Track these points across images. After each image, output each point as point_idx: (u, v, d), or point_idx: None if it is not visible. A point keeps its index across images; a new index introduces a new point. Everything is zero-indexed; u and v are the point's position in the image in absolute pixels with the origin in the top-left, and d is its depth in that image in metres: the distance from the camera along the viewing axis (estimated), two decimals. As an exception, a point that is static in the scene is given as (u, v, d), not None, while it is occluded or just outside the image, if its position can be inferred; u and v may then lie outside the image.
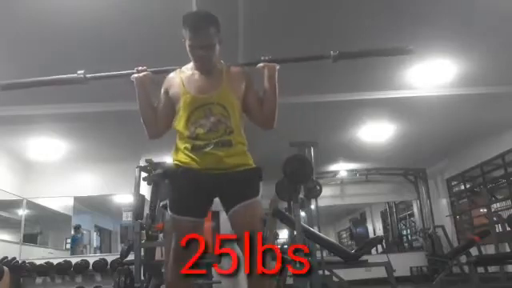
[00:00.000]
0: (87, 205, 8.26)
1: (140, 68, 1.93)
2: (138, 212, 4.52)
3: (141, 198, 4.67)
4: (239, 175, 1.80)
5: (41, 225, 8.00)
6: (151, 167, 4.84)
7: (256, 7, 3.43)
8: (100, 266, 6.54)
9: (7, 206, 6.98)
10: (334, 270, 4.64)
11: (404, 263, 8.41)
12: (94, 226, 9.54)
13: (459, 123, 6.29)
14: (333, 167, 8.92)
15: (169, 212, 1.87)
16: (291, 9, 3.59)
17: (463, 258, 6.25)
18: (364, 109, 5.73)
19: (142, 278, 4.50)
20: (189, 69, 1.91)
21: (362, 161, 8.59)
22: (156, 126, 1.93)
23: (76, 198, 7.49)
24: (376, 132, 6.65)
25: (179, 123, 1.84)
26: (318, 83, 4.92)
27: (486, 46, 4.31)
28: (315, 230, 4.60)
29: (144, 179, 4.80)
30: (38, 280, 6.49)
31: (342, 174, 9.28)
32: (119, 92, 4.76)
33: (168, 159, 5.85)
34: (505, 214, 7.08)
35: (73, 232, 8.13)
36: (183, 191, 1.82)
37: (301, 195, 4.14)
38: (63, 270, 6.50)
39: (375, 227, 12.49)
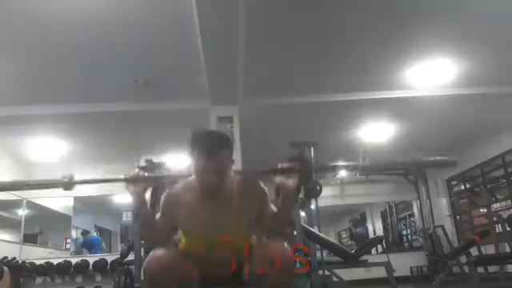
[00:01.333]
0: (87, 205, 8.26)
1: (130, 176, 1.71)
2: (138, 212, 4.51)
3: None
4: None
5: (41, 225, 8.00)
6: (151, 167, 4.84)
7: (256, 8, 3.43)
8: (100, 266, 6.54)
9: (7, 205, 6.98)
10: (334, 270, 4.63)
11: (404, 263, 8.40)
12: (94, 225, 9.55)
13: (459, 123, 6.28)
14: (333, 167, 8.90)
15: None
16: (291, 9, 3.59)
17: (463, 258, 6.24)
18: (364, 109, 5.72)
19: (142, 277, 4.50)
20: (191, 188, 1.71)
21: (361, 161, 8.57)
22: (157, 238, 1.76)
23: (76, 198, 7.49)
24: (376, 132, 6.64)
25: (187, 249, 1.72)
26: (318, 83, 4.93)
27: (486, 46, 4.30)
28: (315, 230, 4.59)
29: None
30: (38, 280, 6.49)
31: (342, 174, 9.27)
32: (119, 92, 4.81)
33: (168, 159, 5.87)
34: (505, 214, 7.07)
35: (76, 235, 8.12)
36: None
37: (301, 195, 4.13)
38: (63, 269, 6.50)
39: (375, 227, 12.48)
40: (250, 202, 1.71)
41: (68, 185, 1.85)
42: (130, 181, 1.71)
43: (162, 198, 1.79)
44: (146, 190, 1.74)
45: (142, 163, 5.08)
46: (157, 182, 1.88)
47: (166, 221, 1.74)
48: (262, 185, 1.78)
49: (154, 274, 1.57)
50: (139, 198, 1.72)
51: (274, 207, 1.77)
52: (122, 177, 1.72)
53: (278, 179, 1.72)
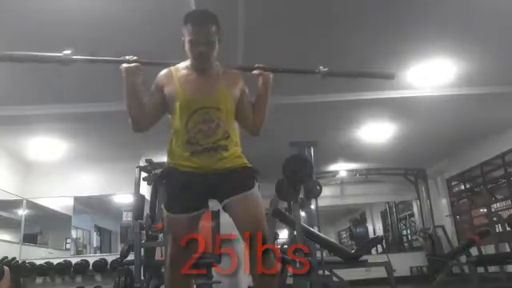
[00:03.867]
0: (87, 205, 8.25)
1: (129, 57, 1.84)
2: (137, 212, 4.53)
3: (141, 198, 4.67)
4: (234, 172, 1.81)
5: (41, 225, 8.00)
6: (151, 167, 4.85)
7: (256, 8, 3.43)
8: (100, 265, 6.54)
9: (7, 205, 6.98)
10: (334, 270, 4.64)
11: (404, 263, 8.41)
12: (94, 225, 9.54)
13: (459, 123, 6.28)
14: (333, 167, 8.92)
15: (164, 212, 1.87)
16: (291, 11, 3.59)
17: (463, 258, 6.25)
18: (364, 109, 5.73)
19: (142, 277, 4.50)
20: (184, 68, 1.89)
21: (361, 161, 8.59)
22: (143, 120, 1.88)
23: (76, 198, 7.48)
24: (376, 132, 6.65)
25: (177, 123, 1.83)
26: (318, 83, 4.91)
27: (486, 46, 4.31)
28: (315, 229, 4.59)
29: (144, 179, 4.81)
30: (38, 280, 6.49)
31: (342, 174, 9.28)
32: (119, 92, 4.81)
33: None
34: (505, 214, 7.08)
35: (76, 235, 8.11)
36: (177, 191, 1.82)
37: (301, 195, 4.13)
38: (63, 269, 6.50)
39: (375, 227, 12.49)
40: (234, 82, 1.89)
41: (66, 60, 1.81)
42: (129, 61, 1.83)
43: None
44: (140, 71, 1.84)
45: (143, 163, 5.09)
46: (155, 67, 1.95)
47: (155, 96, 1.86)
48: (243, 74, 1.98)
49: None
50: (133, 78, 1.82)
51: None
52: (121, 58, 1.84)
53: (257, 71, 1.96)
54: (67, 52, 1.82)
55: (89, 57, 1.94)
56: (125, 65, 1.83)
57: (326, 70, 2.14)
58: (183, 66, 1.90)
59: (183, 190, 1.80)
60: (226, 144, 1.81)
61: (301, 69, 2.32)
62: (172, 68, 1.90)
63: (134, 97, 1.83)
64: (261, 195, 1.84)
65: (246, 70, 2.01)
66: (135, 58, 1.85)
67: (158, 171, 4.88)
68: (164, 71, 1.90)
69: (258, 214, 1.78)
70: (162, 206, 1.90)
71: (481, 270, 6.06)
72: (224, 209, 1.81)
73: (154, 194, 4.75)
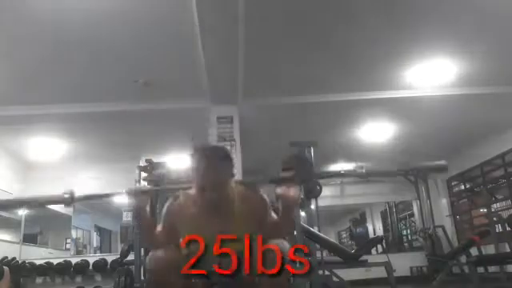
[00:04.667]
0: (87, 205, 8.25)
1: (131, 190, 1.75)
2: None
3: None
4: None
5: (41, 225, 8.00)
6: (151, 167, 4.84)
7: (256, 7, 3.43)
8: (100, 265, 6.54)
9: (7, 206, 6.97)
10: (334, 270, 4.63)
11: (404, 263, 8.40)
12: (94, 225, 9.55)
13: (459, 123, 6.28)
14: (333, 167, 8.91)
15: None
16: (291, 10, 3.59)
17: (463, 258, 6.24)
18: (364, 109, 5.73)
19: (142, 277, 4.50)
20: (193, 201, 1.73)
21: (361, 161, 8.57)
22: (157, 244, 1.76)
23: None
24: (376, 132, 6.64)
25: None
26: (318, 83, 4.92)
27: (486, 46, 4.30)
28: (315, 230, 4.59)
29: (144, 179, 4.80)
30: (38, 280, 6.49)
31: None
32: (119, 92, 4.81)
33: (168, 159, 5.86)
34: (505, 214, 7.07)
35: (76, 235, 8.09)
36: None
37: (301, 195, 4.13)
38: (63, 269, 6.50)
39: (375, 227, 12.48)
40: (251, 214, 1.72)
41: (68, 201, 1.86)
42: (131, 194, 1.74)
43: (164, 209, 1.81)
44: (147, 201, 1.75)
45: (143, 163, 5.08)
46: (157, 194, 1.88)
47: (166, 232, 1.76)
48: (263, 195, 1.79)
49: (159, 269, 1.62)
50: (140, 209, 1.75)
51: (274, 215, 1.79)
52: (123, 191, 1.75)
53: (279, 190, 1.72)
54: (67, 193, 1.86)
55: (90, 194, 2.01)
56: (135, 202, 1.75)
57: (363, 171, 1.95)
58: (193, 197, 1.74)
59: None
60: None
61: (343, 172, 2.23)
62: (181, 201, 1.78)
63: (147, 224, 1.79)
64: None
65: (265, 182, 1.85)
66: (139, 187, 1.83)
67: (159, 171, 4.88)
68: (174, 206, 1.79)
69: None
70: None
71: (481, 270, 6.05)
72: None
73: (154, 193, 4.74)
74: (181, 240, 1.74)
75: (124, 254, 5.37)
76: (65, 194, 1.85)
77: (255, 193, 1.80)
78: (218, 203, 1.68)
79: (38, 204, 2.00)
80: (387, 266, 4.36)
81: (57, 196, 1.87)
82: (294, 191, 1.71)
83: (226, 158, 1.71)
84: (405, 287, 7.02)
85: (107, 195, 1.90)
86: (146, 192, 1.79)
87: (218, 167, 1.65)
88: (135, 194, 1.74)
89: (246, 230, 1.69)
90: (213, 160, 1.67)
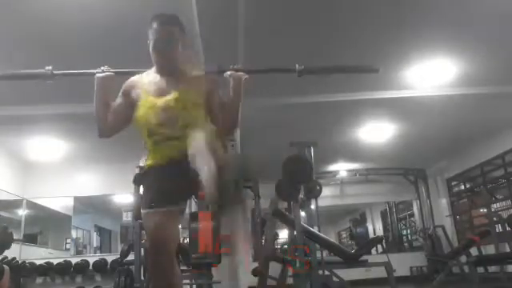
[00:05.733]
0: (87, 205, 8.25)
1: (104, 68, 1.99)
2: (137, 212, 4.52)
3: (141, 198, 4.66)
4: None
5: (41, 225, 8.00)
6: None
7: (256, 7, 3.43)
8: (100, 265, 6.55)
9: (7, 205, 6.98)
10: (334, 270, 4.64)
11: (404, 263, 8.41)
12: (94, 225, 9.55)
13: (459, 123, 6.29)
14: (333, 167, 8.92)
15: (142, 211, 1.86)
16: (291, 9, 3.59)
17: (463, 258, 6.24)
18: (364, 109, 5.73)
19: (142, 277, 4.50)
20: (151, 73, 1.94)
21: (361, 161, 8.59)
22: (108, 126, 1.98)
23: (76, 198, 7.49)
24: (376, 132, 6.65)
25: (139, 121, 1.86)
26: (318, 83, 4.92)
27: (486, 46, 4.31)
28: (315, 229, 4.59)
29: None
30: (38, 280, 6.49)
31: (342, 174, 9.28)
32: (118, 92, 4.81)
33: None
34: (505, 214, 7.07)
35: (76, 235, 8.10)
36: (150, 187, 1.87)
37: (301, 195, 4.13)
38: (63, 270, 6.50)
39: (375, 227, 12.49)
40: (199, 85, 1.90)
41: (48, 76, 2.02)
42: (103, 71, 1.99)
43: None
44: (111, 81, 1.98)
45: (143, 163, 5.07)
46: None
47: (121, 101, 1.94)
48: (214, 78, 2.00)
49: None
50: (104, 87, 1.97)
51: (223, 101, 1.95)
52: (96, 70, 2.00)
53: (229, 73, 1.95)
54: (48, 68, 2.03)
55: (68, 71, 2.14)
56: (98, 75, 1.97)
57: (302, 67, 2.16)
58: (151, 71, 1.95)
59: (154, 185, 1.83)
60: (183, 133, 1.76)
61: (276, 68, 2.39)
62: (141, 75, 1.96)
63: (101, 104, 1.97)
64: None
65: (218, 72, 2.03)
66: (108, 68, 2.00)
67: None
68: (132, 77, 1.97)
69: None
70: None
71: (481, 270, 6.06)
72: None
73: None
74: (135, 105, 1.86)
75: (124, 254, 5.37)
76: (46, 69, 2.02)
77: (207, 73, 2.04)
78: (169, 61, 1.87)
79: (18, 77, 2.09)
80: (387, 266, 4.35)
81: (37, 71, 2.04)
82: (238, 74, 1.94)
83: (174, 19, 1.90)
84: (405, 287, 7.03)
85: (86, 74, 2.07)
86: (112, 78, 1.98)
87: (166, 25, 1.86)
88: (104, 77, 1.96)
89: (192, 92, 1.84)
90: (162, 19, 1.88)
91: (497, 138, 6.93)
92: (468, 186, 8.71)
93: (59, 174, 6.97)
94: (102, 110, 1.96)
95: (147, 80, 1.91)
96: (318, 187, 4.52)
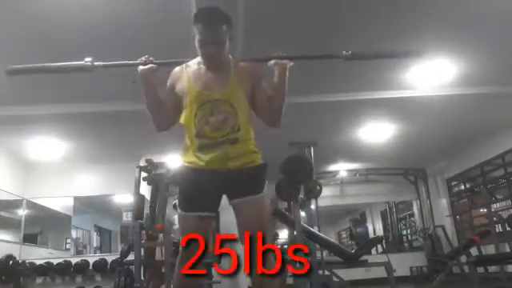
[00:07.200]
0: (87, 205, 8.25)
1: (145, 59, 1.89)
2: (138, 212, 4.52)
3: (141, 198, 4.67)
4: (244, 172, 1.81)
5: (41, 225, 8.00)
6: (151, 167, 4.85)
7: (256, 7, 3.43)
8: (100, 265, 6.54)
9: (7, 205, 6.98)
10: (334, 270, 4.64)
11: (404, 263, 8.41)
12: (94, 225, 9.55)
13: (459, 123, 6.29)
14: (333, 167, 8.92)
15: (178, 210, 1.87)
16: (291, 11, 3.59)
17: (463, 258, 6.24)
18: (364, 109, 5.73)
19: (142, 277, 4.50)
20: (195, 63, 1.89)
21: (361, 161, 8.59)
22: (163, 119, 1.93)
23: (76, 198, 7.49)
24: (376, 132, 6.65)
25: (186, 119, 1.83)
26: (318, 83, 4.92)
27: (486, 46, 4.31)
28: (315, 229, 4.59)
29: (144, 179, 4.81)
30: (38, 280, 6.49)
31: (342, 174, 9.28)
32: (119, 92, 4.81)
33: (168, 159, 5.86)
34: (505, 214, 7.07)
35: (76, 235, 8.09)
36: (190, 190, 1.83)
37: (301, 195, 4.13)
38: (63, 270, 6.50)
39: (375, 227, 12.49)
40: (246, 78, 1.86)
41: (89, 68, 1.95)
42: (146, 62, 1.88)
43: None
44: (154, 73, 1.88)
45: (143, 163, 5.08)
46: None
47: (169, 94, 1.89)
48: (259, 68, 1.94)
49: None
50: (149, 81, 1.87)
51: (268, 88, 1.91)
52: (137, 61, 1.90)
53: (273, 61, 1.89)
54: (88, 59, 1.95)
55: (107, 63, 2.02)
56: (140, 67, 1.87)
57: (349, 53, 2.06)
58: (195, 61, 1.90)
59: (195, 189, 1.80)
60: (236, 137, 1.79)
61: (322, 54, 2.25)
62: (183, 65, 1.92)
63: (152, 97, 1.88)
64: (265, 192, 1.87)
65: (261, 61, 1.95)
66: (151, 58, 1.89)
67: (159, 171, 4.88)
68: (176, 69, 1.92)
69: (261, 217, 1.80)
70: (177, 207, 1.90)
71: (481, 270, 6.06)
72: (232, 207, 1.82)
73: (154, 193, 4.75)
74: (182, 98, 1.84)
75: (124, 254, 5.36)
76: (86, 60, 1.96)
77: (251, 62, 1.97)
78: (216, 59, 1.81)
79: (58, 69, 2.13)
80: (387, 266, 4.36)
81: (78, 63, 1.99)
82: (283, 62, 1.89)
83: (224, 17, 1.80)
84: (405, 287, 7.03)
85: (127, 65, 1.97)
86: (154, 70, 1.88)
87: (215, 24, 1.77)
88: (146, 66, 1.86)
89: (240, 87, 1.83)
90: (211, 17, 1.79)
91: (497, 137, 6.93)
92: (468, 185, 8.71)
93: (59, 173, 6.97)
94: (153, 105, 1.89)
95: (193, 72, 1.87)
96: (318, 187, 4.51)
